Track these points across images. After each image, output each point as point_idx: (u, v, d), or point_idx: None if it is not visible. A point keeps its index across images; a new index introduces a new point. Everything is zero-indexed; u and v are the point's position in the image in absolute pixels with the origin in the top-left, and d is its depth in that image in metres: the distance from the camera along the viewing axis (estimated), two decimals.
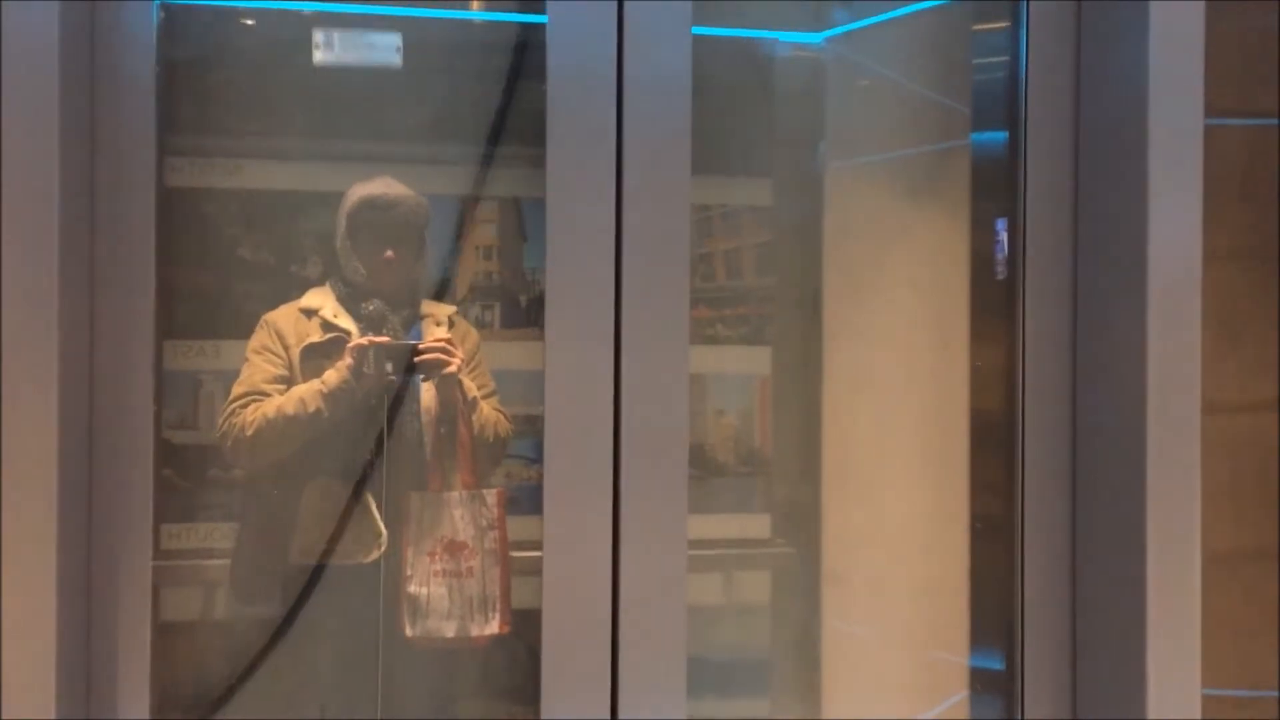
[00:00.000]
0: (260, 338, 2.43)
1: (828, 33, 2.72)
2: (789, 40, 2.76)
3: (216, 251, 2.53)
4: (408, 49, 2.59)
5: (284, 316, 2.44)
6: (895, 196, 2.59)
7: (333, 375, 2.37)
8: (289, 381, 2.40)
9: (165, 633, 2.48)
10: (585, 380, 1.66)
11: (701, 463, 2.72)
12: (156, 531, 2.48)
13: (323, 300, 2.47)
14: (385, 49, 2.50)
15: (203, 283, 2.52)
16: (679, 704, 1.81)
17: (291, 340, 2.42)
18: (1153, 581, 1.70)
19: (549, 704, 1.76)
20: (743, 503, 2.75)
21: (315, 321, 2.43)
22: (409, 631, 2.31)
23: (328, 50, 2.49)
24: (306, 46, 2.58)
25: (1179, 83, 1.75)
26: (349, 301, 2.46)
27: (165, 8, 2.40)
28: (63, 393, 1.49)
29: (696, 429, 2.75)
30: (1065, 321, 1.92)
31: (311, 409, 2.35)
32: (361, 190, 2.46)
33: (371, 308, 2.44)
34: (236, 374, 2.42)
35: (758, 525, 2.74)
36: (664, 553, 1.67)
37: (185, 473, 2.51)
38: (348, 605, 2.43)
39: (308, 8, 2.57)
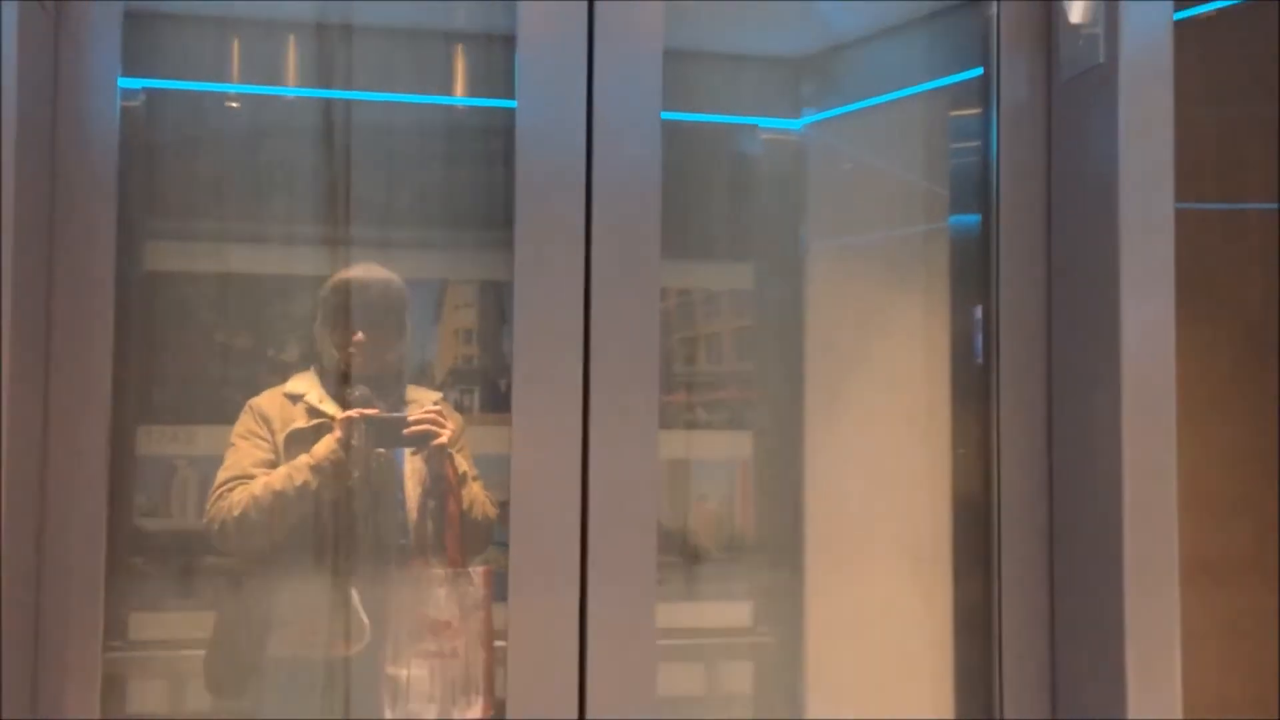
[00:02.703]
0: (245, 423, 2.40)
1: (806, 119, 2.74)
2: (768, 126, 2.77)
3: (194, 336, 2.52)
4: (387, 133, 2.61)
5: (269, 401, 2.42)
6: (876, 279, 2.59)
7: (320, 448, 2.35)
8: (275, 466, 2.37)
9: None
10: (552, 467, 1.63)
11: (681, 549, 2.69)
12: (125, 621, 2.44)
13: (307, 385, 2.44)
14: None
15: (179, 367, 2.51)
16: None
17: (276, 425, 2.39)
18: (1132, 668, 1.67)
19: None
20: (723, 590, 2.71)
21: (300, 407, 2.41)
22: (388, 714, 2.25)
23: None
24: (289, 130, 2.59)
25: (1149, 170, 1.76)
26: (334, 387, 2.44)
27: (147, 92, 2.42)
28: (10, 482, 1.45)
29: (676, 514, 2.72)
30: (1040, 406, 1.90)
31: (299, 481, 2.32)
32: (337, 275, 2.45)
33: (357, 394, 2.42)
34: (211, 459, 2.39)
35: (739, 613, 2.70)
36: (633, 642, 1.63)
37: (157, 560, 2.48)
38: (329, 698, 2.38)
39: (289, 92, 2.58)
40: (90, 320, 1.62)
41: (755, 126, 2.78)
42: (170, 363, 2.50)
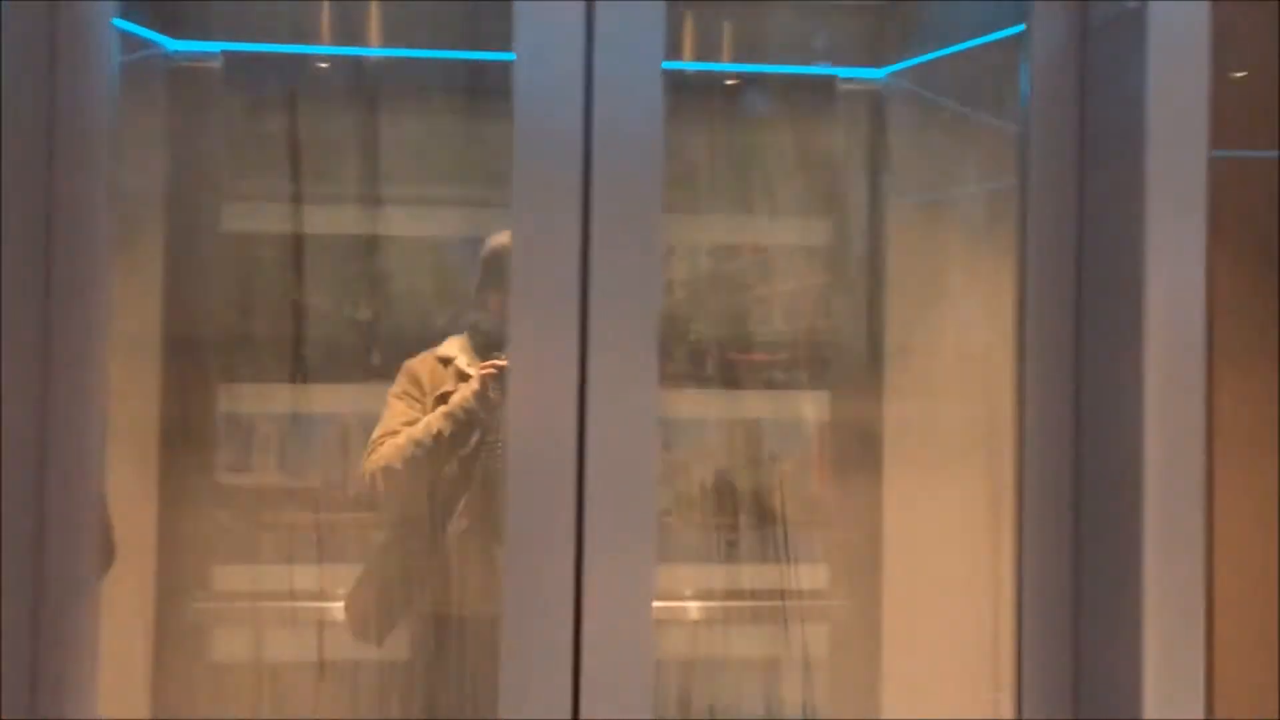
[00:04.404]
0: (401, 383, 2.46)
1: (889, 68, 2.64)
2: (849, 76, 2.69)
3: (271, 296, 2.58)
4: (461, 92, 2.61)
5: (422, 364, 2.48)
6: (959, 234, 2.48)
7: (456, 396, 2.39)
8: None
9: (217, 674, 2.53)
10: (548, 428, 1.60)
11: (757, 510, 2.65)
12: (210, 573, 2.54)
13: (458, 349, 2.49)
14: None
15: (258, 327, 2.57)
16: None
17: (428, 387, 2.45)
18: (1150, 644, 1.57)
19: None
20: (800, 552, 2.66)
21: (451, 370, 2.45)
22: None
23: None
24: (364, 91, 2.62)
25: (1180, 120, 1.63)
26: (484, 351, 2.46)
27: (225, 54, 2.48)
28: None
29: (751, 476, 2.68)
30: (1067, 369, 1.80)
31: (435, 429, 2.38)
32: (498, 238, 2.46)
33: (498, 352, 2.44)
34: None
35: (815, 575, 2.65)
36: (629, 603, 1.60)
37: (240, 514, 2.56)
38: (466, 656, 2.42)
39: (361, 53, 2.61)
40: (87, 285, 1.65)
41: (835, 77, 2.69)
42: (249, 322, 2.57)
